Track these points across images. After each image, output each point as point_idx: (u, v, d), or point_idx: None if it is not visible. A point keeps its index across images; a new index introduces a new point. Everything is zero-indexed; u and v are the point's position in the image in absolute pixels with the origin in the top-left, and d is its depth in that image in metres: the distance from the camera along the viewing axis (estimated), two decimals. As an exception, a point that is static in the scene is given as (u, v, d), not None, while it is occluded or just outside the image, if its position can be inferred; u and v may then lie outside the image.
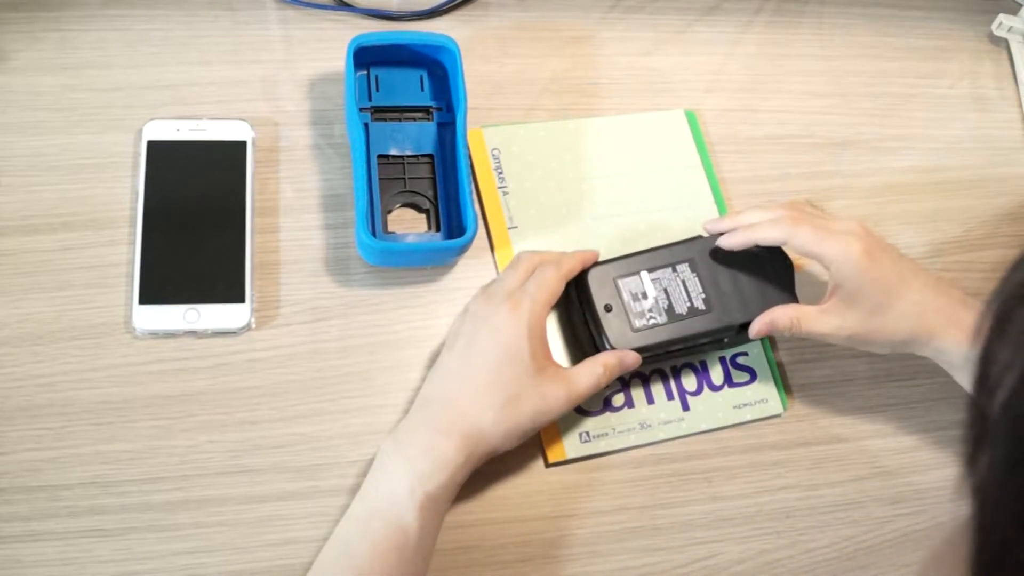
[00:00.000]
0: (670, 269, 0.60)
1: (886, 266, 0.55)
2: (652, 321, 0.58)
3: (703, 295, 0.59)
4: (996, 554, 0.27)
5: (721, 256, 0.60)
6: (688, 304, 0.59)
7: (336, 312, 0.60)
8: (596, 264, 0.60)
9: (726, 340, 0.61)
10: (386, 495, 0.50)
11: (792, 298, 0.61)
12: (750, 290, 0.60)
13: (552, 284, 0.57)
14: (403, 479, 0.50)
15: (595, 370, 0.55)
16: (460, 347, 0.55)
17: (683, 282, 0.59)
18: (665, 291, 0.59)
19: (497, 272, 0.63)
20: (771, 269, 0.61)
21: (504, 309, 0.54)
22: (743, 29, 0.77)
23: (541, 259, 0.59)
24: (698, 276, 0.60)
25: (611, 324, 0.58)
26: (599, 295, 0.59)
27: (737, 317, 0.59)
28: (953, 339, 0.54)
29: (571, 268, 0.58)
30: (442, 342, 0.59)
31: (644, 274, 0.59)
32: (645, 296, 0.59)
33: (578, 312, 0.60)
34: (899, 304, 0.55)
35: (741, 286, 0.60)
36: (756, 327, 0.58)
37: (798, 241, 0.56)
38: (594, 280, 0.59)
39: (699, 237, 0.62)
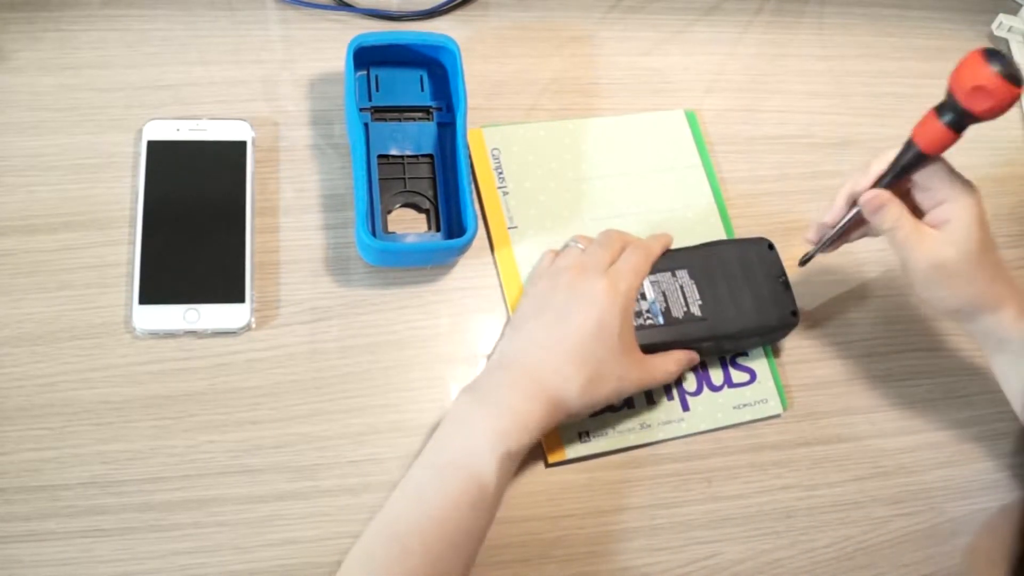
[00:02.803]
0: (670, 274, 0.60)
1: (987, 222, 0.54)
2: (649, 322, 0.59)
3: (700, 302, 0.60)
4: None
5: (720, 266, 0.61)
6: (685, 309, 0.59)
7: (336, 312, 0.60)
8: None
9: (726, 347, 0.61)
10: (466, 449, 0.51)
11: (790, 311, 0.62)
12: (747, 301, 0.61)
13: (643, 269, 0.59)
14: (485, 436, 0.51)
15: (669, 366, 0.58)
16: (551, 316, 0.56)
17: (681, 287, 0.60)
18: (663, 295, 0.60)
19: (497, 273, 0.63)
20: (769, 282, 0.62)
21: (600, 286, 0.56)
22: (743, 29, 0.77)
23: (627, 239, 0.61)
24: (696, 283, 0.60)
25: None
26: None
27: (731, 326, 0.60)
28: (1012, 315, 0.55)
29: (656, 253, 0.60)
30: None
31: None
32: (644, 297, 0.59)
33: None
34: (988, 261, 0.54)
35: (738, 296, 0.61)
36: (871, 198, 0.54)
37: (933, 167, 0.54)
38: None
39: (701, 245, 0.63)
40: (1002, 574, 0.30)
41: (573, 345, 0.54)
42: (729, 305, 0.60)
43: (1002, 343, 0.56)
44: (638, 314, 0.59)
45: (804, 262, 0.62)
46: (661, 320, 0.59)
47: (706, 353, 0.62)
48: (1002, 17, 0.80)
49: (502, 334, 0.60)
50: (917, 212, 0.55)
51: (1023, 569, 0.28)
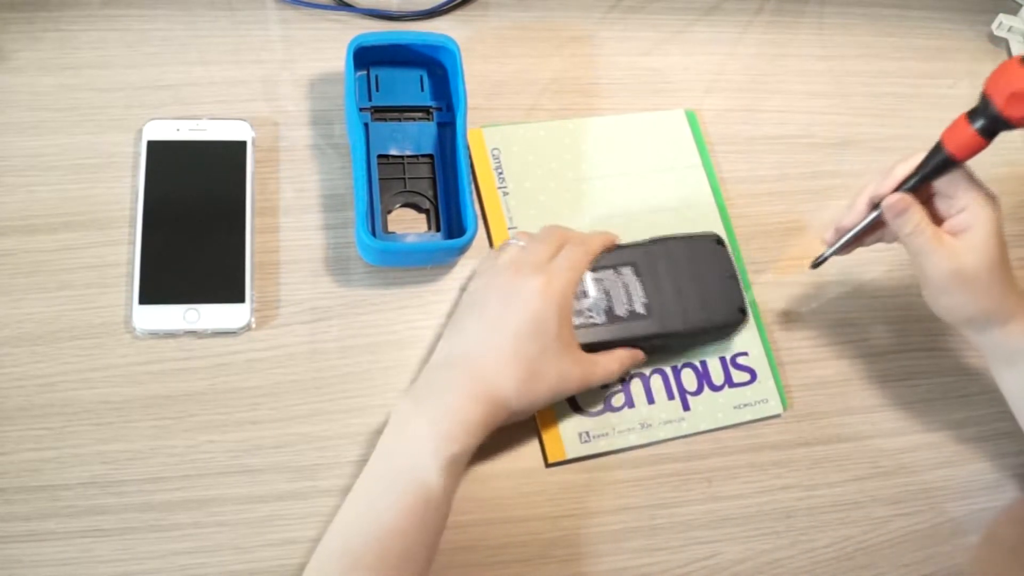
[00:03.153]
0: (613, 271, 0.59)
1: (1003, 233, 0.54)
2: (590, 320, 0.57)
3: (644, 300, 0.59)
4: None
5: (667, 262, 0.60)
6: (628, 307, 0.58)
7: (336, 312, 0.60)
8: None
9: (673, 346, 0.61)
10: (410, 456, 0.50)
11: (738, 308, 0.61)
12: (693, 299, 0.60)
13: (581, 266, 0.58)
14: (427, 440, 0.50)
15: (611, 365, 0.57)
16: (488, 314, 0.55)
17: (625, 285, 0.59)
18: (606, 292, 0.58)
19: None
20: (717, 280, 0.61)
21: (536, 284, 0.55)
22: (743, 29, 0.77)
23: (567, 236, 0.59)
24: (641, 281, 0.59)
25: None
26: None
27: (677, 324, 0.59)
28: (1021, 330, 0.55)
29: (596, 251, 0.59)
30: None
31: (587, 273, 0.59)
32: (586, 295, 0.58)
33: None
34: (1004, 272, 0.54)
35: (684, 294, 0.59)
36: (893, 202, 0.54)
37: (956, 173, 0.54)
38: None
39: (647, 241, 0.61)
40: None
41: (509, 344, 0.53)
42: (675, 303, 0.59)
43: (1012, 356, 0.56)
44: (579, 312, 0.57)
45: (817, 264, 0.61)
46: (603, 319, 0.58)
47: (652, 352, 0.61)
48: (1002, 17, 0.80)
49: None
50: (936, 219, 0.55)
51: None
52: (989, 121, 0.50)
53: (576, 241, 0.59)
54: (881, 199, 0.55)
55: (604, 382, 0.57)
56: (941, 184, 0.54)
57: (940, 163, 0.53)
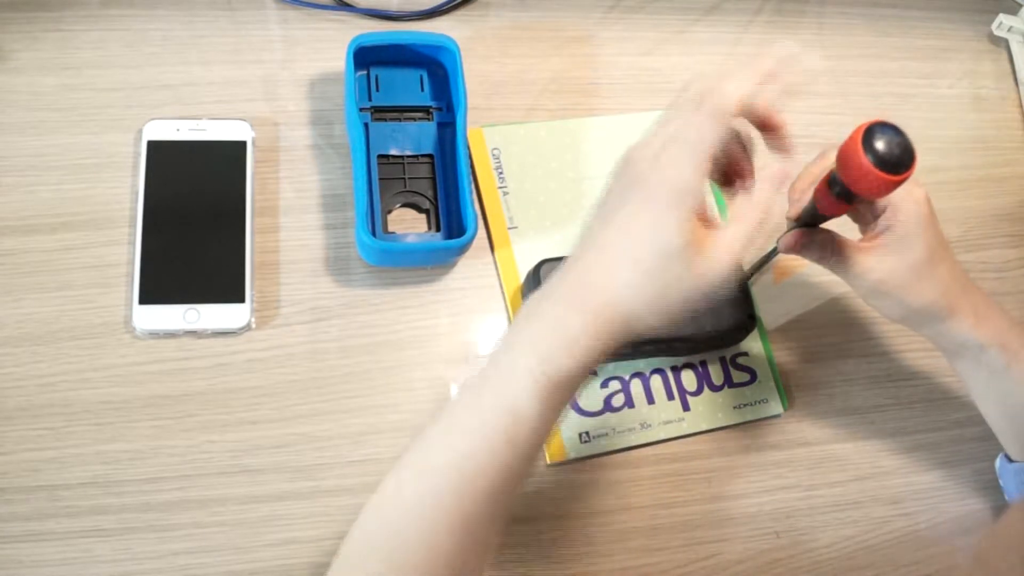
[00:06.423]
0: None
1: (937, 226, 0.52)
2: None
3: None
4: None
5: None
6: None
7: (336, 312, 0.60)
8: (551, 258, 0.60)
9: (679, 349, 0.60)
10: (504, 377, 0.44)
11: (748, 316, 0.61)
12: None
13: (700, 126, 0.46)
14: (522, 357, 0.43)
15: (722, 259, 0.44)
16: (599, 213, 0.46)
17: None
18: None
19: (497, 273, 0.63)
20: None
21: (645, 167, 0.45)
22: (743, 29, 0.77)
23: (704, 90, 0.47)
24: None
25: None
26: None
27: (686, 330, 0.58)
28: (968, 324, 0.53)
29: (727, 104, 0.47)
30: (438, 335, 0.59)
31: None
32: None
33: None
34: (936, 269, 0.52)
35: None
36: (786, 241, 0.52)
37: None
38: (547, 272, 0.59)
39: None
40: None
41: (619, 238, 0.44)
42: None
43: (960, 348, 0.54)
44: None
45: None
46: None
47: (659, 355, 0.61)
48: (1002, 17, 0.80)
49: None
50: (870, 218, 0.53)
51: None
52: (842, 188, 0.46)
53: (699, 97, 0.47)
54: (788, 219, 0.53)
55: (735, 267, 0.45)
56: None
57: (819, 217, 0.50)
